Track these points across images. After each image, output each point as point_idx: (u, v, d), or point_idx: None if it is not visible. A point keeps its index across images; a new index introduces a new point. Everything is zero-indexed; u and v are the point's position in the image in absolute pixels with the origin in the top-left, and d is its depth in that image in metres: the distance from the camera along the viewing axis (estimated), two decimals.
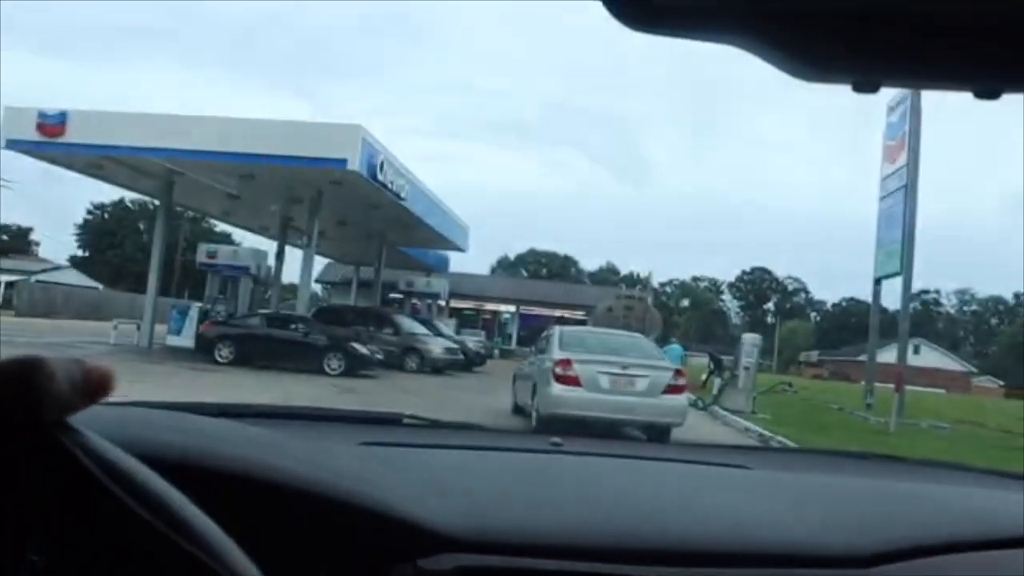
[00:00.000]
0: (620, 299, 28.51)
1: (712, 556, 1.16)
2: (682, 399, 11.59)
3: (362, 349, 19.93)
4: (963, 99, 0.57)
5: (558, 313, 47.04)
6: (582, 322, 45.35)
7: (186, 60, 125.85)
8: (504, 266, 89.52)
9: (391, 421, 1.85)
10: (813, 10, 0.52)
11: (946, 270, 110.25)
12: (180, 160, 19.87)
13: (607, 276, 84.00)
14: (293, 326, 20.26)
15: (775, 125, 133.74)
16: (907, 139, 24.33)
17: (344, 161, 19.09)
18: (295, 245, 33.02)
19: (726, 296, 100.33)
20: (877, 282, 26.48)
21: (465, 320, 44.60)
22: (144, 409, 1.19)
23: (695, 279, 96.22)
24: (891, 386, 25.01)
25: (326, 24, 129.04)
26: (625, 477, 1.52)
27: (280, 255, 28.19)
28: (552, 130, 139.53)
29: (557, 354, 11.48)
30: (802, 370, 75.54)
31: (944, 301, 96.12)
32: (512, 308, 48.13)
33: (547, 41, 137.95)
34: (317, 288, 47.77)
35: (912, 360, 71.95)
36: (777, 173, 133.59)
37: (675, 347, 27.94)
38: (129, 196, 54.56)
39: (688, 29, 0.53)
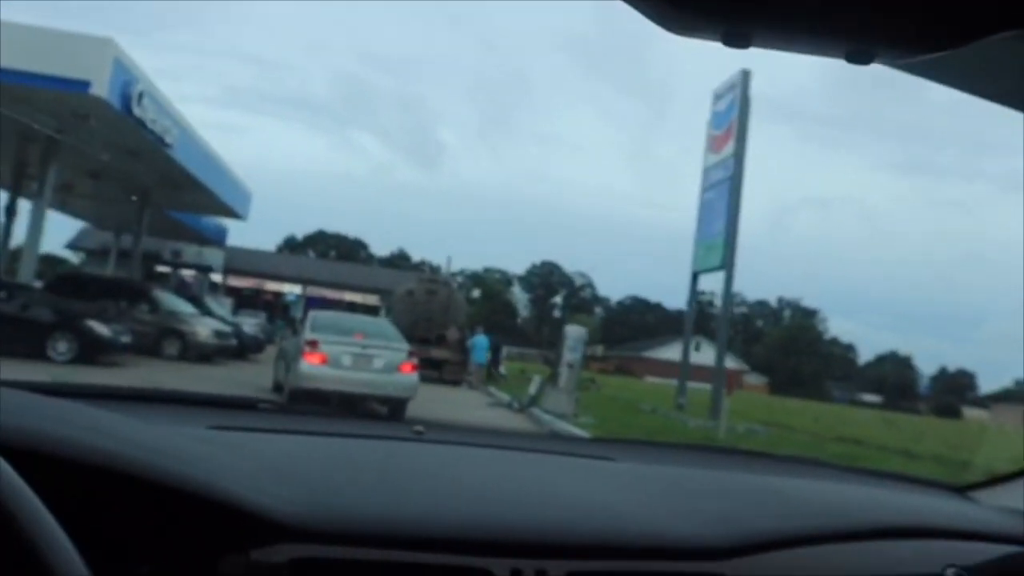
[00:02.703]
0: (422, 283, 25.25)
1: (568, 548, 1.13)
2: (414, 376, 12.72)
3: (103, 329, 15.36)
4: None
5: (348, 297, 43.11)
6: (374, 308, 41.76)
7: None
8: (291, 246, 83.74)
9: (245, 405, 1.77)
10: None
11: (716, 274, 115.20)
12: None
13: (399, 262, 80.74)
14: (5, 296, 15.30)
15: (568, 124, 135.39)
16: (735, 128, 22.81)
17: (86, 84, 14.53)
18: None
19: (516, 288, 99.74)
20: (695, 276, 24.89)
21: (244, 300, 39.68)
22: None
23: (486, 270, 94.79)
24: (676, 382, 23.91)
25: None
26: (486, 466, 1.49)
27: (11, 210, 22.51)
28: (345, 109, 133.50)
29: (307, 335, 12.39)
30: (588, 364, 75.50)
31: (716, 303, 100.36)
32: (298, 289, 43.44)
33: (342, 16, 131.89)
34: (71, 256, 41.00)
35: (694, 357, 73.86)
36: (568, 171, 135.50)
37: (482, 338, 25.15)
38: None
39: None
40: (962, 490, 1.95)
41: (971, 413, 78.81)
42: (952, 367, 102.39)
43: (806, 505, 1.49)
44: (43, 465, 0.71)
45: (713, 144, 24.43)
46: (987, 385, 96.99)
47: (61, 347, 14.94)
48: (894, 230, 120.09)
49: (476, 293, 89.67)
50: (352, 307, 40.73)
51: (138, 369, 15.34)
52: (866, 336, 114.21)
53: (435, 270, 36.16)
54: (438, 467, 1.42)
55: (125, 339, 15.86)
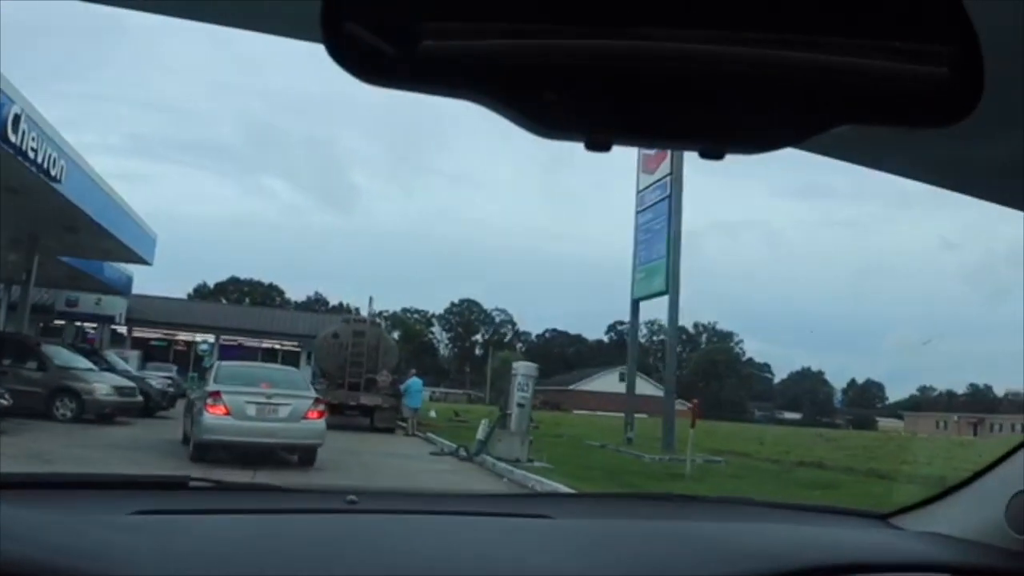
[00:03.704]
0: (348, 324, 23.07)
1: None
2: (321, 423, 12.44)
3: None
4: None
5: (267, 344, 40.29)
6: (294, 353, 39.11)
7: None
8: (202, 295, 79.75)
9: (175, 485, 1.67)
10: (541, 72, 0.56)
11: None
12: None
13: (316, 307, 77.86)
14: None
15: (479, 161, 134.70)
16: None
17: None
18: None
19: (436, 328, 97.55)
20: (635, 304, 23.41)
21: (154, 352, 36.53)
22: None
23: (405, 311, 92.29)
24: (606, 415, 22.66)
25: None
26: (421, 536, 1.46)
27: None
28: (254, 155, 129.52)
29: (211, 386, 12.29)
30: None
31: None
32: (211, 338, 40.37)
33: (246, 59, 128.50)
34: None
35: (619, 387, 72.73)
36: (482, 208, 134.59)
37: (416, 380, 23.10)
38: None
39: (421, 84, 0.55)
40: (886, 517, 1.97)
41: (885, 424, 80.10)
42: (860, 379, 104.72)
43: (734, 549, 1.49)
44: None
45: (646, 164, 23.14)
46: (894, 395, 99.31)
47: None
48: (797, 251, 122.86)
49: (396, 334, 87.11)
50: (272, 354, 37.97)
51: (18, 436, 12.80)
52: (779, 355, 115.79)
53: (355, 312, 33.84)
54: (370, 540, 1.38)
55: (2, 402, 13.29)
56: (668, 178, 21.60)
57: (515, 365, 16.20)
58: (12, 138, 13.58)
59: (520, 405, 15.43)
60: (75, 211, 17.99)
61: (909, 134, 0.92)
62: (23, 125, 13.86)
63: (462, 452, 15.33)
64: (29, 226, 20.17)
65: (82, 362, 18.03)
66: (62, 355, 17.85)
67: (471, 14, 0.53)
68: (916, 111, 0.60)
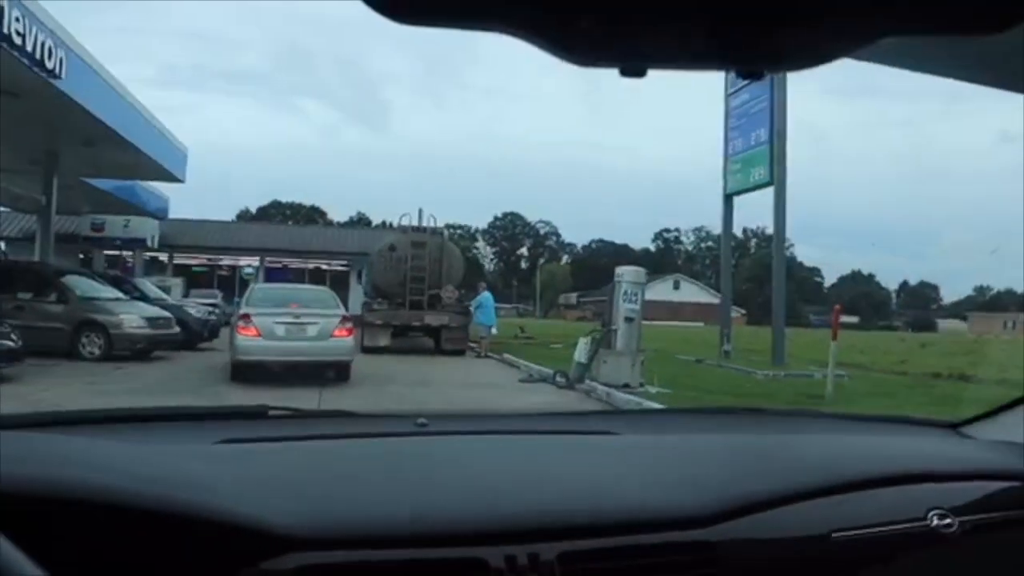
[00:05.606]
0: (406, 235, 20.11)
1: (559, 530, 1.11)
2: (349, 340, 12.45)
3: None
4: None
5: (313, 264, 37.75)
6: (343, 273, 36.58)
7: None
8: (245, 220, 77.60)
9: (255, 415, 1.70)
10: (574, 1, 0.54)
11: (682, 209, 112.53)
12: None
13: (359, 227, 75.37)
14: None
15: (514, 73, 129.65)
16: None
17: None
18: None
19: (480, 243, 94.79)
20: (728, 200, 20.20)
21: (197, 279, 34.19)
22: None
23: (449, 227, 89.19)
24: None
25: None
26: (488, 455, 1.47)
27: None
28: (285, 77, 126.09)
29: (242, 309, 12.41)
30: (563, 313, 71.46)
31: (684, 239, 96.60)
32: (256, 262, 37.83)
33: None
34: None
35: (674, 295, 69.49)
36: (519, 121, 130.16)
37: (488, 295, 20.29)
38: None
39: (455, 20, 0.55)
40: (957, 426, 1.89)
41: (945, 325, 76.62)
42: (913, 281, 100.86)
43: (795, 462, 1.45)
44: (29, 509, 0.63)
45: None
46: (949, 295, 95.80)
47: None
48: (846, 153, 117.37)
49: None
50: (319, 275, 35.48)
51: (27, 384, 10.24)
52: (827, 259, 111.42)
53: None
54: (438, 460, 1.39)
55: (8, 343, 10.68)
56: None
57: (619, 270, 13.17)
58: None
59: (628, 319, 12.53)
60: (89, 119, 15.13)
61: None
62: (14, 12, 10.90)
63: (560, 379, 12.53)
64: (43, 142, 17.46)
65: (108, 291, 15.43)
66: (84, 285, 15.23)
67: None
68: (967, 17, 0.53)
